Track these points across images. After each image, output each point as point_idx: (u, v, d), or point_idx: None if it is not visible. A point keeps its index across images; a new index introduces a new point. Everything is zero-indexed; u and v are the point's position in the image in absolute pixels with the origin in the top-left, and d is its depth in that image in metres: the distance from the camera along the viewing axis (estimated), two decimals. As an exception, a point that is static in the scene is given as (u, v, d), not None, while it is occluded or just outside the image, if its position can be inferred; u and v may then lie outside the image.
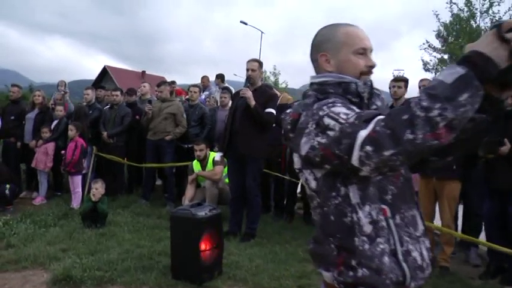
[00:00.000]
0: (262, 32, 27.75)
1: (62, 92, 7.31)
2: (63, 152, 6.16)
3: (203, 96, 8.08)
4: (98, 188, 5.01)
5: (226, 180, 5.47)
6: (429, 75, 16.69)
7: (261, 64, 4.77)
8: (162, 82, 6.41)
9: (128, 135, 6.76)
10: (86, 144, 6.18)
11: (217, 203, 5.25)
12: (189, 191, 5.43)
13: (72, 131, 6.04)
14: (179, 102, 6.59)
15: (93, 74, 41.34)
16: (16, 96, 7.00)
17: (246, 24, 27.12)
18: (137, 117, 6.83)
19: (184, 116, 6.39)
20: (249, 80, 4.66)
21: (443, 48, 19.68)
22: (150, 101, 6.43)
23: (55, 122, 6.69)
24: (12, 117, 6.77)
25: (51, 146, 6.40)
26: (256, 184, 4.71)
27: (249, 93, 4.53)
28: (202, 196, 5.38)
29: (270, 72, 31.11)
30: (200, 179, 5.51)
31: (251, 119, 4.58)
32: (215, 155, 5.34)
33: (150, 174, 6.56)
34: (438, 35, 19.19)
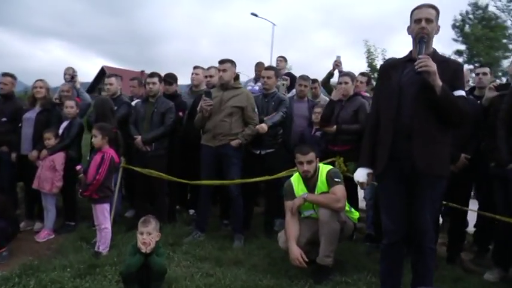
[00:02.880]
0: (273, 24, 25.96)
1: (70, 81, 5.22)
2: (78, 167, 4.12)
3: (257, 88, 6.04)
4: (151, 233, 2.92)
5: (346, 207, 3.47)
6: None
7: (438, 12, 2.66)
8: (225, 60, 4.30)
9: (169, 139, 4.75)
10: (118, 158, 4.07)
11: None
12: (292, 226, 3.32)
13: (97, 138, 3.94)
14: (248, 91, 4.53)
15: (91, 76, 39.39)
16: (9, 90, 4.94)
17: (256, 16, 25.26)
18: (180, 113, 4.85)
19: (256, 110, 4.37)
20: (423, 39, 2.59)
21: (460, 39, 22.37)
22: (209, 93, 4.31)
23: (64, 124, 4.68)
24: (4, 119, 4.77)
25: (59, 159, 4.44)
26: (433, 221, 2.68)
27: (432, 65, 2.45)
28: (309, 233, 3.36)
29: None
30: (306, 206, 3.45)
31: (434, 109, 2.56)
32: (329, 169, 3.36)
33: (208, 196, 4.47)
34: (454, 26, 21.72)
